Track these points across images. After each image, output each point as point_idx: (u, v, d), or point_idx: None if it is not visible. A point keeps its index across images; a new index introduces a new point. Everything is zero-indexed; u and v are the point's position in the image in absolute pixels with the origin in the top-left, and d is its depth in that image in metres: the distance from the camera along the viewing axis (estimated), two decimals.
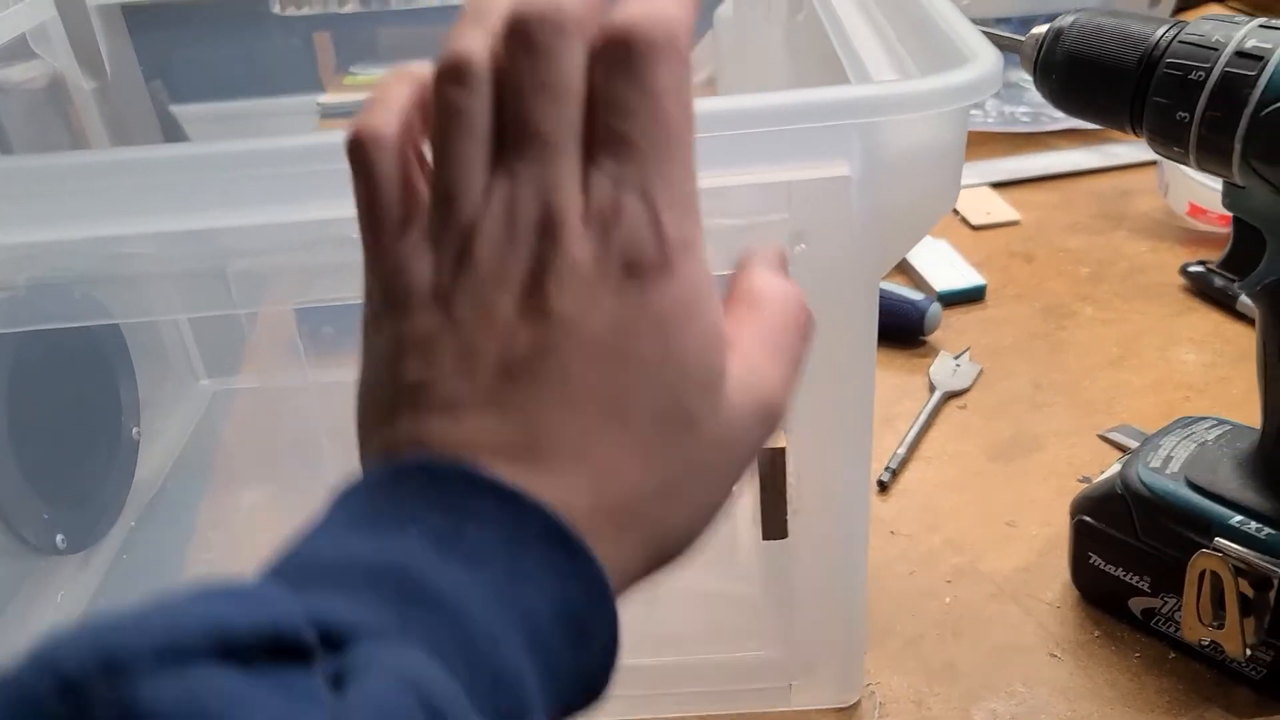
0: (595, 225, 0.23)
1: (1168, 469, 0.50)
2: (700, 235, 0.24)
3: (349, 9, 1.18)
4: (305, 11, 1.10)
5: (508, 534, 0.22)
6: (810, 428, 0.42)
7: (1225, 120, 0.41)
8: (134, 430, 0.63)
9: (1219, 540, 0.46)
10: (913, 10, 0.43)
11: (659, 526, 0.24)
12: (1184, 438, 0.51)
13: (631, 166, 0.23)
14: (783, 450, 0.40)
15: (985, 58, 0.37)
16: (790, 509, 0.42)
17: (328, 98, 1.17)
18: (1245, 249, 0.45)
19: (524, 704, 0.20)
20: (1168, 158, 0.45)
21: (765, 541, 0.43)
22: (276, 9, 1.07)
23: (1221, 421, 0.52)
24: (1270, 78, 0.40)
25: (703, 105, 0.26)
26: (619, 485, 0.23)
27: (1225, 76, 0.41)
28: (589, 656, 0.23)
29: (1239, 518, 0.47)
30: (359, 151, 0.25)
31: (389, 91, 0.26)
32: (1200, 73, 0.42)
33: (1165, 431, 0.53)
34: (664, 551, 0.25)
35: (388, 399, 0.24)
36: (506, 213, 0.23)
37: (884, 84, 0.36)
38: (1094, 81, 0.45)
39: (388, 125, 0.25)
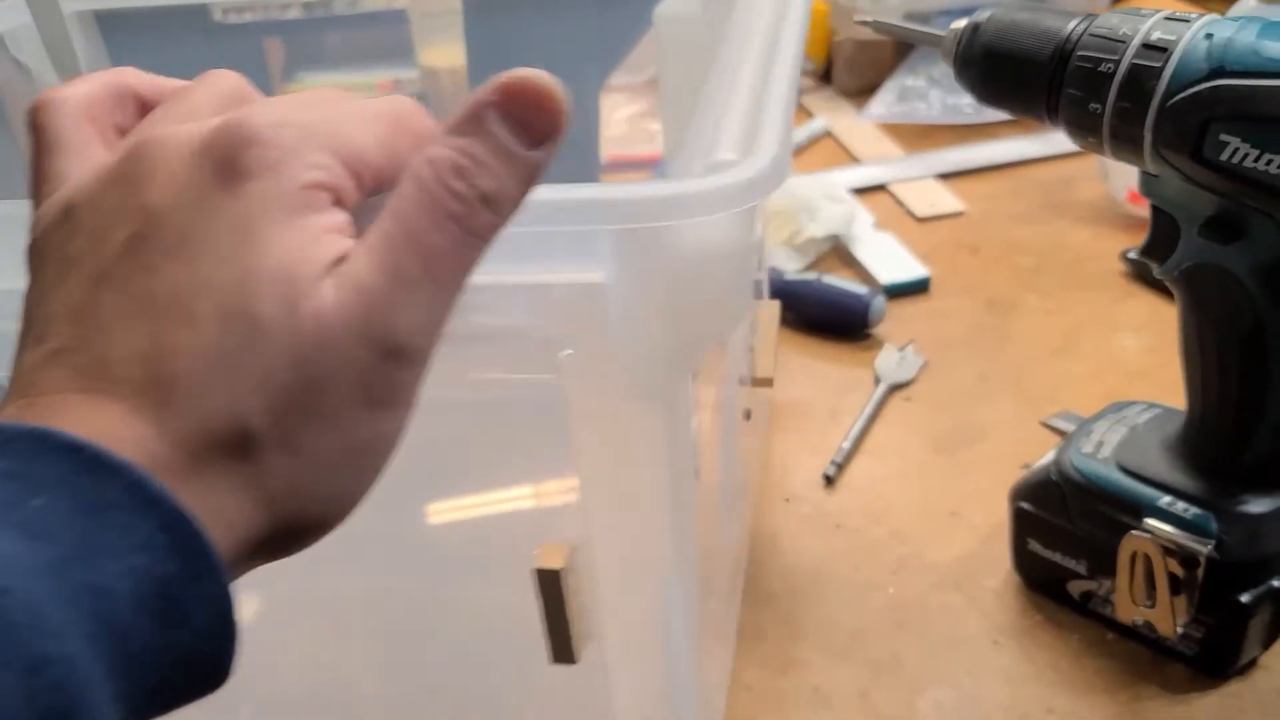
0: (198, 135, 0.23)
1: (1100, 453, 0.50)
2: (300, 147, 0.23)
3: (292, 15, 1.18)
4: (248, 18, 1.10)
5: (84, 501, 0.20)
6: (606, 537, 0.36)
7: (1134, 111, 0.42)
8: None
9: (1148, 521, 0.47)
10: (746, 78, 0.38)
11: (275, 476, 0.22)
12: (1116, 422, 0.52)
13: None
14: (555, 572, 0.35)
15: (760, 157, 0.31)
16: (577, 630, 0.37)
17: None
18: (1163, 235, 0.46)
19: (71, 694, 0.18)
20: (1084, 148, 0.45)
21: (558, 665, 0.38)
22: (218, 16, 1.06)
23: (1152, 405, 0.53)
24: (1175, 69, 0.41)
25: None
26: (202, 410, 0.22)
27: (1133, 69, 0.42)
28: (187, 638, 0.20)
29: (1167, 499, 0.47)
30: (34, 112, 0.26)
31: (91, 79, 0.27)
32: (1109, 65, 0.43)
33: (1098, 417, 0.53)
34: (293, 513, 0.23)
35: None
36: (130, 147, 0.24)
37: (636, 185, 0.29)
38: (1010, 75, 0.46)
39: (69, 93, 0.26)
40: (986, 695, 0.49)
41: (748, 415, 0.55)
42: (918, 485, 0.62)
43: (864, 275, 0.81)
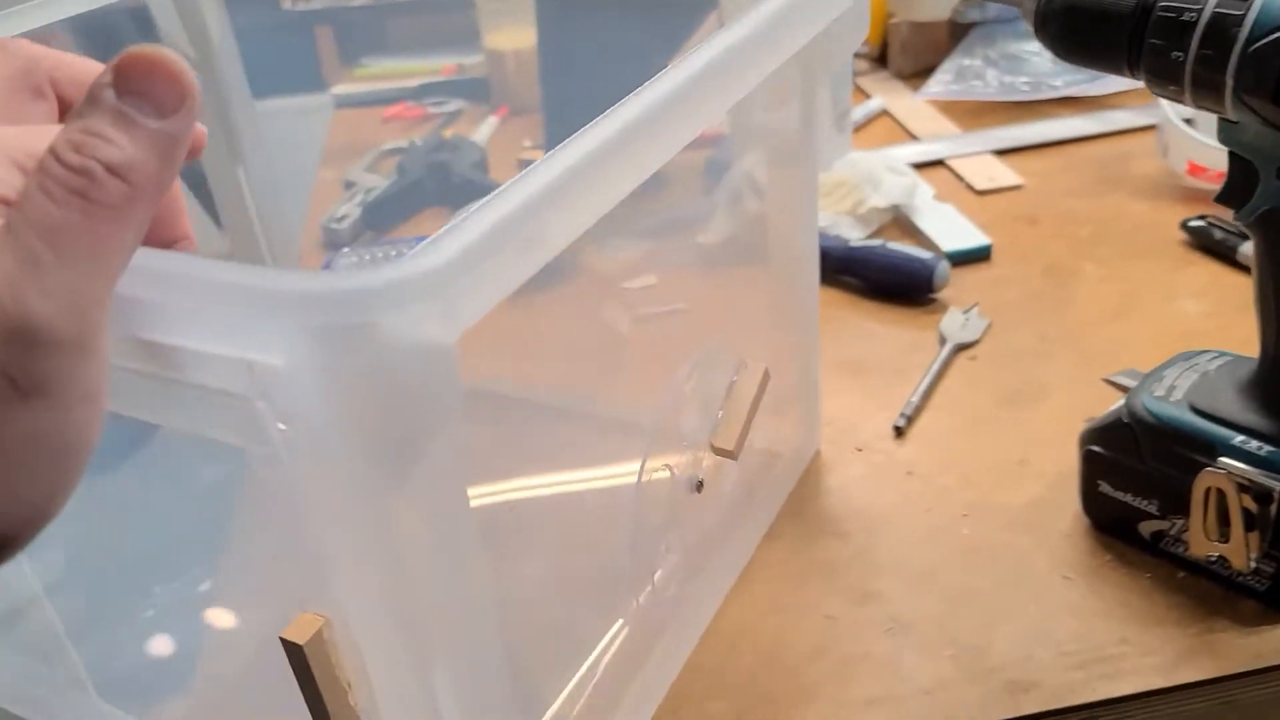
0: None
1: (1171, 397, 0.52)
2: None
3: (357, 1, 1.21)
4: (315, 5, 1.13)
5: None
6: (354, 616, 0.33)
7: (1216, 57, 0.44)
8: None
9: (1222, 459, 0.49)
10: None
11: None
12: (1186, 369, 0.54)
13: None
14: (299, 646, 0.33)
15: (445, 251, 0.27)
16: (335, 708, 0.35)
17: (341, 89, 1.20)
18: (1240, 181, 0.48)
19: None
20: (1164, 97, 0.47)
21: None
22: (287, 4, 1.09)
23: (1222, 353, 0.55)
24: (1257, 15, 0.43)
25: (166, 263, 0.27)
26: None
27: (1215, 16, 0.44)
28: None
29: (1241, 437, 0.49)
30: None
31: None
32: (1192, 14, 0.44)
33: (1168, 364, 0.55)
34: None
35: None
36: None
37: (307, 277, 0.26)
38: (1092, 28, 0.48)
39: None
40: (1058, 627, 0.51)
41: (699, 487, 0.50)
42: (985, 437, 0.64)
43: (926, 244, 0.83)
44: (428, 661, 0.33)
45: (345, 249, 0.85)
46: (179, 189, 0.36)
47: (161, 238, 0.35)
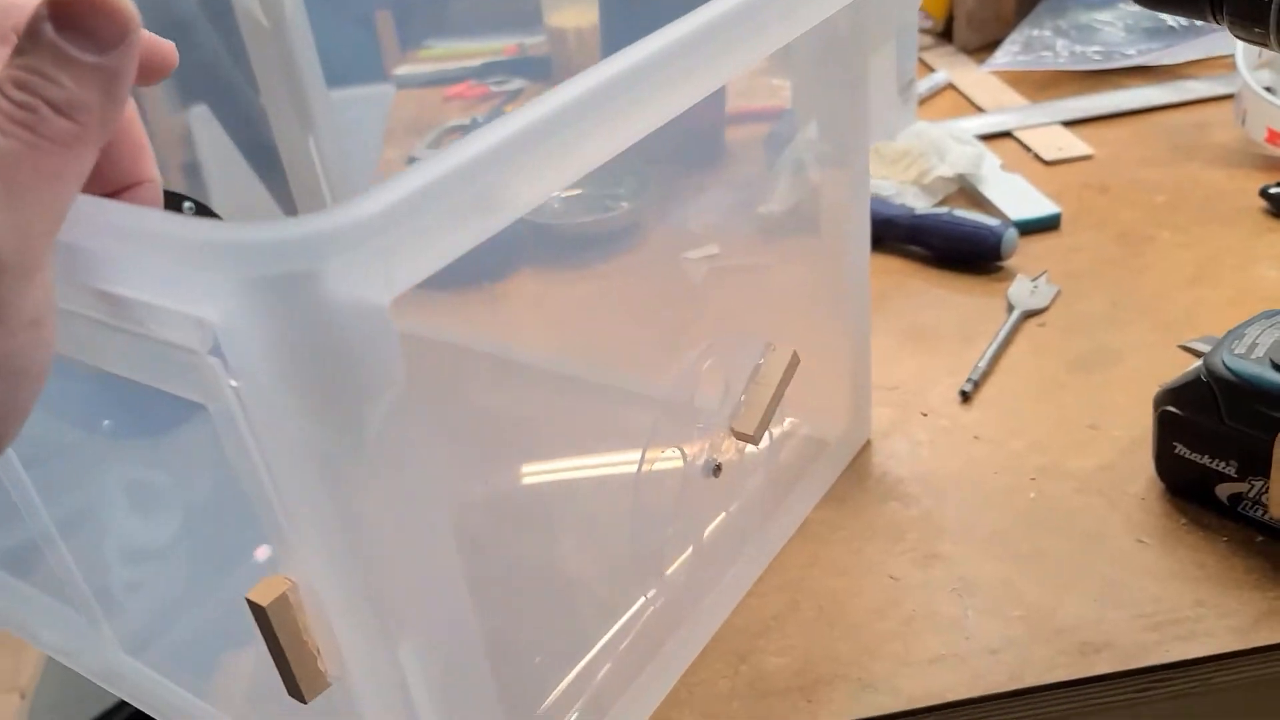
0: None
1: (1253, 354, 0.51)
2: None
3: None
4: None
5: None
6: (319, 581, 0.33)
7: None
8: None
9: None
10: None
11: None
12: (1269, 327, 0.52)
13: None
14: (263, 608, 0.32)
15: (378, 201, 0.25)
16: (302, 671, 0.34)
17: (405, 69, 1.21)
18: None
19: None
20: (1248, 40, 0.46)
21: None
22: None
23: None
24: None
25: (111, 213, 0.26)
26: None
27: None
28: None
29: None
30: None
31: None
32: None
33: (1249, 323, 0.53)
34: None
35: None
36: None
37: (236, 228, 0.24)
38: None
39: None
40: (1132, 588, 0.50)
41: (716, 471, 0.48)
42: (1054, 402, 0.63)
43: (994, 212, 0.82)
44: (393, 634, 0.32)
45: None
46: (140, 130, 0.35)
47: (123, 179, 0.35)
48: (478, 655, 0.36)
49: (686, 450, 0.47)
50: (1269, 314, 0.54)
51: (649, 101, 0.33)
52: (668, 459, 0.46)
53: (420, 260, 0.27)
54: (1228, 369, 0.50)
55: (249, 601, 0.33)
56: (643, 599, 0.49)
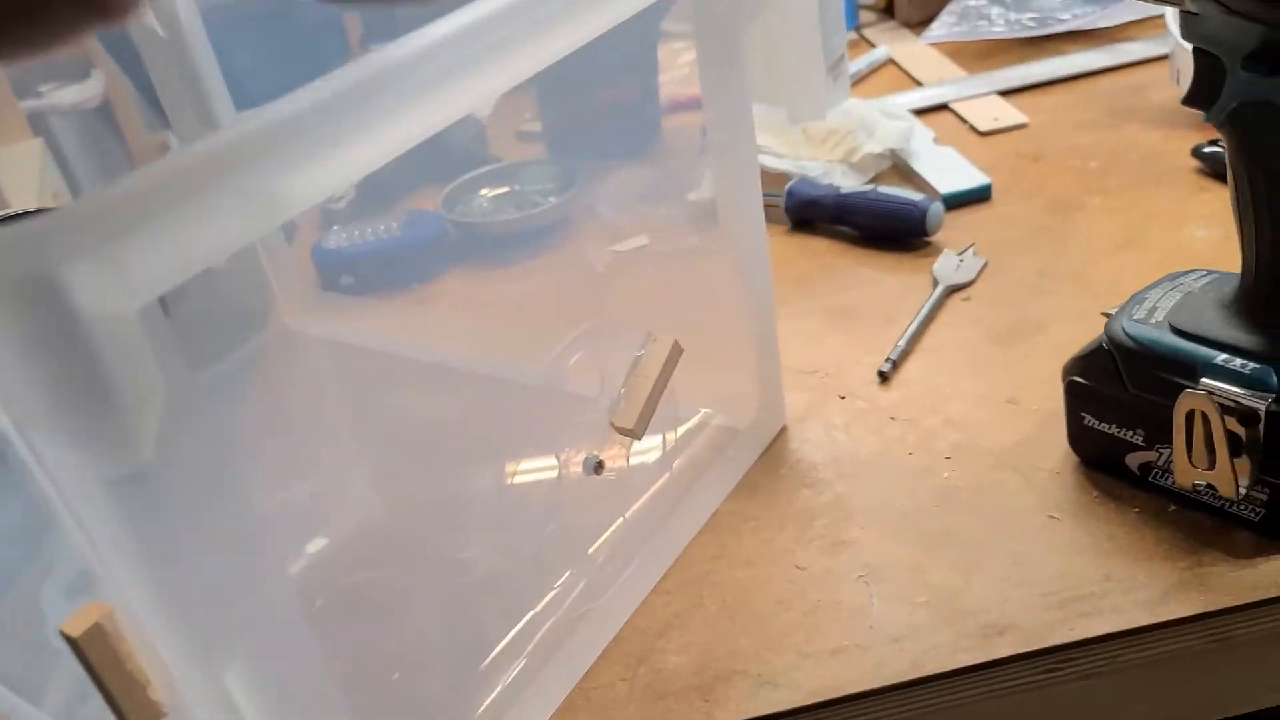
0: None
1: (1152, 318, 0.49)
2: None
3: None
4: None
5: None
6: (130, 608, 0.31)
7: None
8: None
9: (1204, 380, 0.46)
10: None
11: None
12: (1170, 289, 0.51)
13: None
14: (74, 639, 0.30)
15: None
16: (129, 704, 0.32)
17: None
18: (1207, 79, 0.45)
19: None
20: (1159, 1, 0.44)
21: None
22: None
23: (1210, 272, 0.52)
24: None
25: None
26: None
27: None
28: None
29: (1223, 356, 0.46)
30: None
31: None
32: None
33: (1152, 286, 0.52)
34: None
35: None
36: None
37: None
38: None
39: None
40: (1040, 567, 0.49)
41: (598, 468, 0.47)
42: (974, 377, 0.61)
43: (925, 187, 0.80)
44: (215, 658, 0.31)
45: (335, 226, 0.85)
46: None
47: None
48: (316, 674, 0.35)
49: (563, 447, 0.45)
50: (1173, 276, 0.52)
51: (435, 90, 0.32)
52: (542, 457, 0.45)
53: (166, 263, 0.25)
54: (1127, 335, 0.49)
55: (62, 633, 0.32)
56: (532, 613, 0.47)
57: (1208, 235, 0.70)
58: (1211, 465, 0.46)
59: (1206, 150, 0.77)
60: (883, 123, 0.84)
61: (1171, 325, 0.48)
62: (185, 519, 0.29)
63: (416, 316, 0.78)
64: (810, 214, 0.78)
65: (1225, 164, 0.75)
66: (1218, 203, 0.73)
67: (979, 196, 0.79)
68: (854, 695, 0.45)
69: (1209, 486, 0.47)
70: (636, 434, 0.46)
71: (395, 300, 0.80)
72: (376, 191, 0.96)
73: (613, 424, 0.46)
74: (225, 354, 0.73)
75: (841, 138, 0.83)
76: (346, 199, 0.94)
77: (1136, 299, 0.51)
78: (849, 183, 0.81)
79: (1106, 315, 0.63)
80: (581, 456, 0.46)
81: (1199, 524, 0.49)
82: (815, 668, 0.46)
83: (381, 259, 0.80)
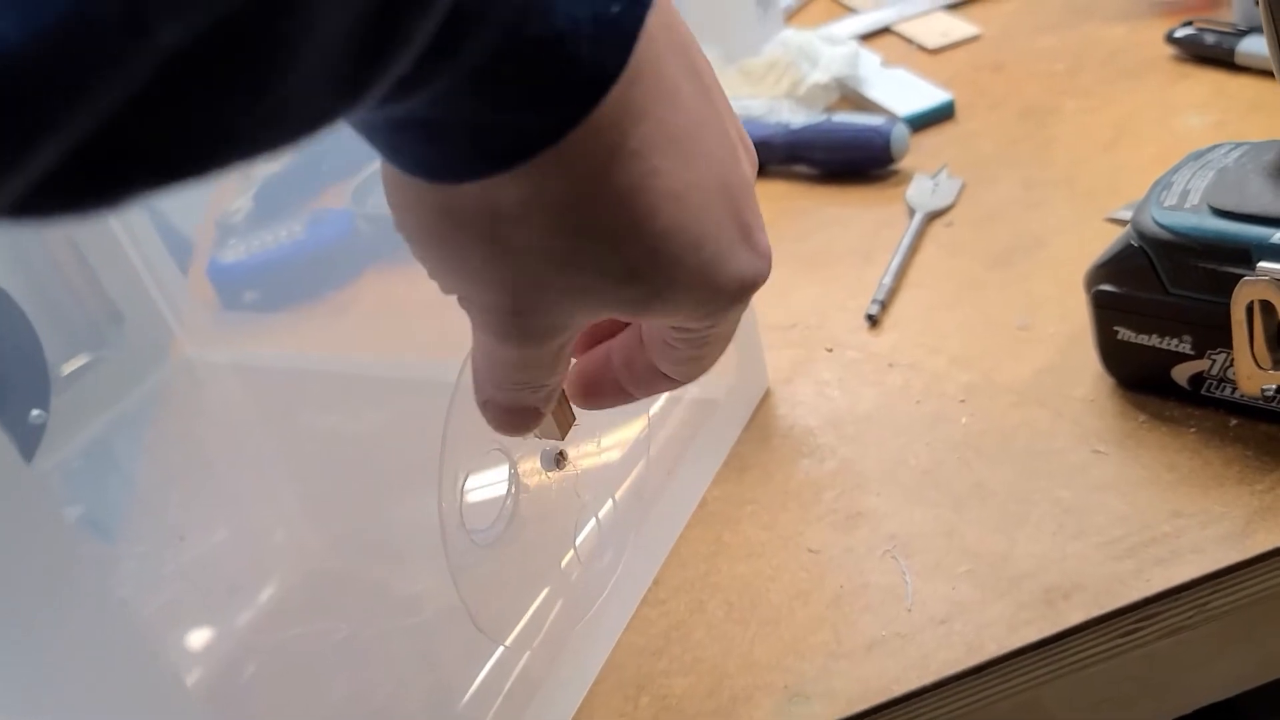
0: None
1: (1186, 203, 0.42)
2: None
3: None
4: None
5: None
6: None
7: None
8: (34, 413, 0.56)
9: (1263, 264, 0.39)
10: None
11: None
12: (1199, 169, 0.44)
13: None
14: None
15: None
16: None
17: None
18: None
19: None
20: None
21: None
22: None
23: (1238, 144, 0.44)
24: None
25: None
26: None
27: None
28: None
29: None
30: None
31: None
32: None
33: (1175, 169, 0.45)
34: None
35: None
36: None
37: None
38: None
39: None
40: (1094, 510, 0.41)
41: (560, 461, 0.40)
42: (974, 307, 0.54)
43: (881, 113, 0.72)
44: None
45: (231, 240, 0.76)
46: None
47: None
48: None
49: (513, 446, 0.37)
50: (1196, 154, 0.45)
51: None
52: (489, 461, 0.36)
53: None
54: (1161, 226, 0.41)
55: None
56: (501, 648, 0.39)
57: (1202, 121, 0.63)
58: None
59: (1181, 34, 0.70)
60: (825, 50, 0.77)
61: (1212, 207, 0.41)
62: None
63: (333, 326, 0.69)
64: (761, 156, 0.69)
65: (1204, 46, 0.69)
66: (1206, 86, 0.66)
67: (942, 115, 0.71)
68: (903, 697, 0.37)
69: (1279, 390, 0.40)
70: (558, 435, 0.36)
71: (308, 312, 0.71)
72: (277, 196, 0.87)
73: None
74: (114, 400, 0.64)
75: (783, 71, 0.76)
76: (243, 210, 0.85)
77: (1161, 184, 0.44)
78: (798, 118, 0.73)
79: (1112, 220, 0.56)
80: (537, 453, 0.38)
81: (1271, 437, 0.42)
82: (851, 669, 0.38)
83: (287, 268, 0.71)
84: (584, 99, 0.20)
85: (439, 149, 0.20)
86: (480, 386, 0.27)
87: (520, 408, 0.27)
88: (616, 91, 0.20)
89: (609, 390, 0.30)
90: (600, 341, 0.30)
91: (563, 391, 0.31)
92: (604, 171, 0.21)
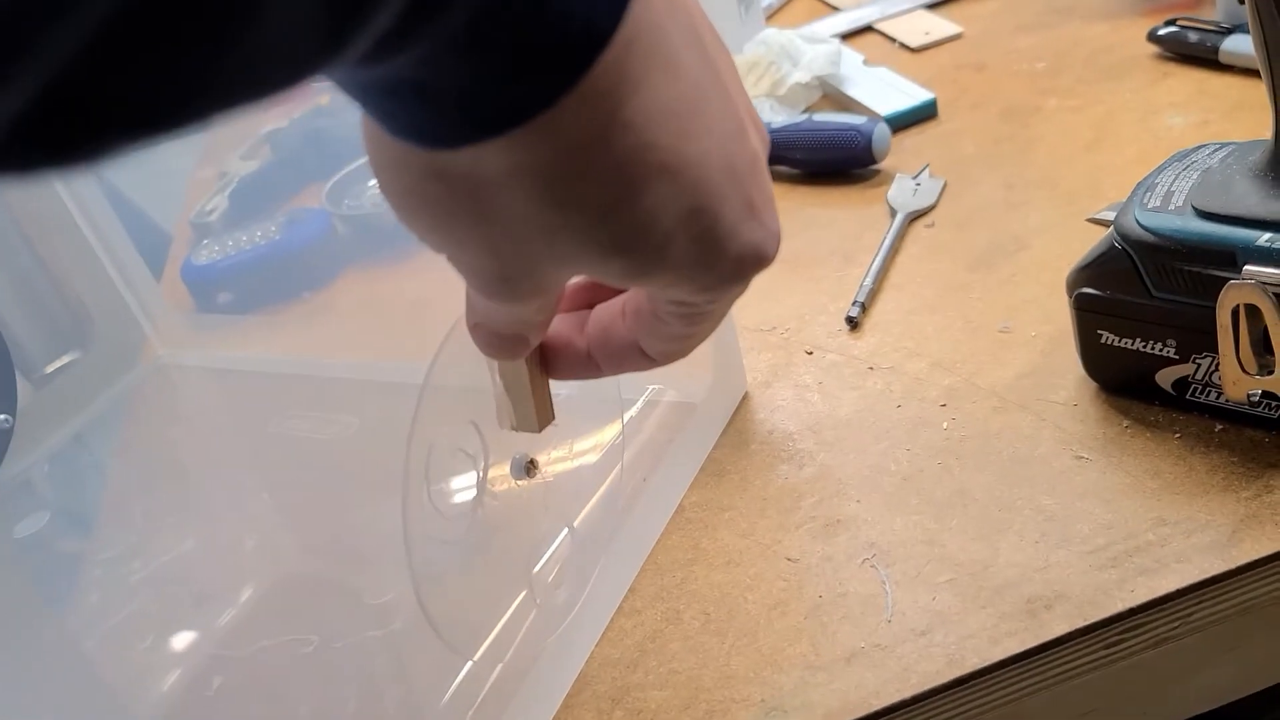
0: None
1: (1170, 205, 0.41)
2: None
3: None
4: None
5: None
6: None
7: None
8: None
9: (1249, 268, 0.38)
10: None
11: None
12: (1183, 170, 0.43)
13: None
14: None
15: None
16: None
17: None
18: None
19: None
20: None
21: None
22: None
23: (1223, 144, 0.44)
24: None
25: None
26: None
27: None
28: None
29: (1267, 235, 0.38)
30: None
31: None
32: None
33: (1159, 170, 0.44)
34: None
35: None
36: None
37: None
38: None
39: None
40: (1077, 518, 0.40)
41: (530, 469, 0.39)
42: (955, 309, 0.53)
43: (863, 113, 0.72)
44: None
45: (205, 240, 0.74)
46: None
47: None
48: None
49: (473, 453, 0.36)
50: (1180, 155, 0.44)
51: None
52: (457, 464, 0.35)
53: None
54: (1144, 228, 0.41)
55: None
56: (470, 662, 0.38)
57: (1184, 121, 0.62)
58: (1269, 369, 0.38)
59: (1163, 32, 0.69)
60: (806, 49, 0.76)
61: (1196, 209, 0.40)
62: None
63: (309, 328, 0.68)
64: None
65: (1187, 44, 0.68)
66: (1188, 85, 0.66)
67: (924, 115, 0.71)
68: (882, 711, 0.36)
69: (1265, 395, 0.39)
70: (535, 427, 0.35)
71: (284, 313, 0.70)
72: (253, 196, 0.86)
73: (501, 425, 0.36)
74: (85, 405, 0.63)
75: (764, 70, 0.75)
76: (218, 210, 0.83)
77: (1144, 186, 0.43)
78: (779, 118, 0.72)
79: (1094, 221, 0.55)
80: (507, 460, 0.37)
81: (1256, 443, 0.41)
82: (829, 682, 0.37)
83: (263, 269, 0.70)
84: (575, 62, 0.19)
85: (429, 114, 0.20)
86: (472, 310, 0.27)
87: (509, 335, 0.27)
88: (610, 56, 0.19)
89: (574, 361, 0.29)
90: (591, 294, 0.30)
91: (546, 385, 0.31)
92: (595, 143, 0.20)
